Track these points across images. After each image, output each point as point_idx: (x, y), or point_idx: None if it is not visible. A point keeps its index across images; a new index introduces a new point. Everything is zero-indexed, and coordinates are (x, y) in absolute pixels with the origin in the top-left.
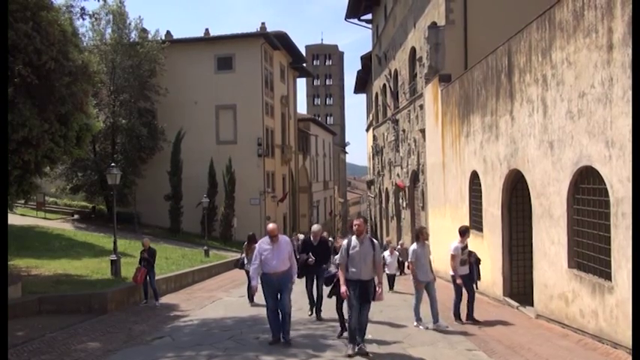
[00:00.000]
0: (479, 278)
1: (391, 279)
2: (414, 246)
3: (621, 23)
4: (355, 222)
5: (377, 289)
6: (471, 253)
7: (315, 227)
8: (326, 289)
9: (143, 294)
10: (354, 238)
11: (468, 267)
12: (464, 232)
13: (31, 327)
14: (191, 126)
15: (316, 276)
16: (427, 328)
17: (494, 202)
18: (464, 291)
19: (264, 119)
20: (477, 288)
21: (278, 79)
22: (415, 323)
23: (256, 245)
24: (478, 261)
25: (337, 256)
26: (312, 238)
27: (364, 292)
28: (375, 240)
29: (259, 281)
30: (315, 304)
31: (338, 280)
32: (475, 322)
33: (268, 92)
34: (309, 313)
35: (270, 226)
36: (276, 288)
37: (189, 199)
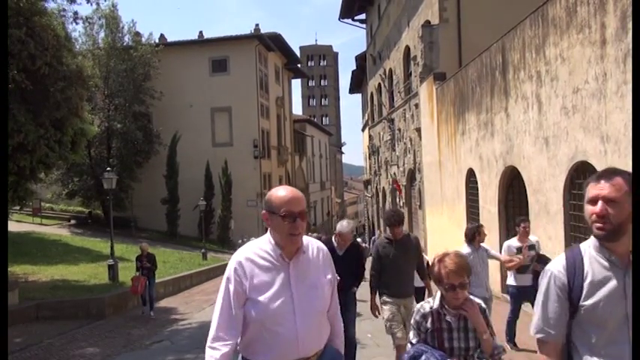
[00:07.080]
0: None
1: (420, 293)
2: (466, 249)
3: (614, 18)
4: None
5: None
6: (540, 257)
7: (345, 226)
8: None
9: (142, 302)
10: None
11: (532, 277)
12: (521, 223)
13: (29, 333)
14: (187, 129)
15: (342, 306)
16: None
17: (490, 199)
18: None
19: (259, 121)
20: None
21: (273, 81)
22: None
23: (231, 270)
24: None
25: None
26: (335, 244)
27: None
28: None
29: None
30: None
31: None
32: (515, 346)
33: (263, 94)
34: None
35: (287, 194)
36: None
37: (186, 202)
